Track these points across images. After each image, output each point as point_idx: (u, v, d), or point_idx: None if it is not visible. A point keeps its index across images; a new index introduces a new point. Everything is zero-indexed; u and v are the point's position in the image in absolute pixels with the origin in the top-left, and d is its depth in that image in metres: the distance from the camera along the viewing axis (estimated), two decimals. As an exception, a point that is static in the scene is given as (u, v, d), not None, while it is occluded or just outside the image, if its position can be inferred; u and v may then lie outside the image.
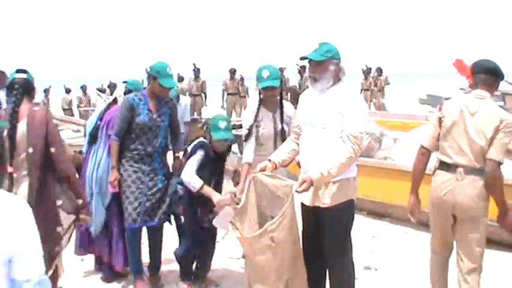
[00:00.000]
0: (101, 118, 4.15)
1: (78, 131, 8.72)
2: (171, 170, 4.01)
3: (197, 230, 3.80)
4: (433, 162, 3.33)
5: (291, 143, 3.37)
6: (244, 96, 14.46)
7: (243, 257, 4.06)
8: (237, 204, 3.44)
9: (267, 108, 3.86)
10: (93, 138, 4.12)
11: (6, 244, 1.34)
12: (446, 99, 3.35)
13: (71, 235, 3.29)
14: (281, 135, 3.84)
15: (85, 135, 4.42)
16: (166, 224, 4.01)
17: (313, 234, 3.22)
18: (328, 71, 3.07)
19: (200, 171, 3.64)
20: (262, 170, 3.17)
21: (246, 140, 3.80)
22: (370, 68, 16.19)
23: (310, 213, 3.20)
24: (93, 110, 14.30)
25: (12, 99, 2.98)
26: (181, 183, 3.77)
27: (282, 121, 3.86)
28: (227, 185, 3.97)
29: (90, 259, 4.47)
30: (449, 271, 3.38)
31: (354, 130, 2.98)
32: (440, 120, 3.22)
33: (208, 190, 3.62)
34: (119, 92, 4.30)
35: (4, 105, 3.07)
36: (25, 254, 1.37)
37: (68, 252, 3.83)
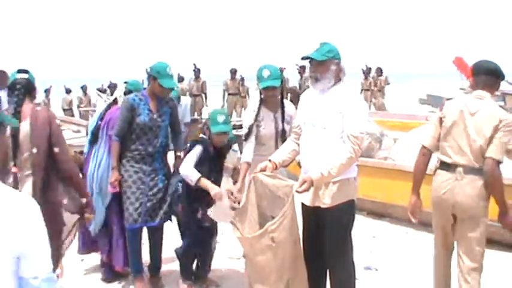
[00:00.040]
0: (101, 118, 4.16)
1: (79, 131, 8.73)
2: (172, 169, 4.01)
3: (196, 230, 3.80)
4: (434, 163, 3.34)
5: (291, 143, 3.37)
6: (245, 97, 14.47)
7: (244, 257, 4.06)
8: (234, 202, 3.45)
9: (268, 108, 3.85)
10: (94, 138, 4.13)
11: (14, 242, 1.35)
12: (448, 99, 3.36)
13: (74, 235, 3.30)
14: (282, 135, 3.83)
15: (87, 135, 4.44)
16: (167, 223, 4.01)
17: (314, 235, 3.22)
18: (330, 70, 3.07)
19: (199, 167, 3.63)
20: (263, 170, 3.17)
21: (245, 140, 3.79)
22: (370, 68, 16.19)
23: (311, 214, 3.20)
24: (93, 110, 14.34)
25: (14, 100, 2.98)
26: (182, 181, 3.77)
27: (283, 121, 3.86)
28: (226, 182, 3.96)
29: (90, 259, 4.48)
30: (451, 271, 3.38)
31: (354, 130, 2.98)
32: (441, 121, 3.24)
33: (205, 182, 3.59)
34: (119, 92, 4.30)
35: (5, 106, 3.07)
36: (33, 252, 1.38)
37: (68, 252, 3.83)
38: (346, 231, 3.18)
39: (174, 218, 4.06)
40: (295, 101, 3.96)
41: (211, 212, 3.59)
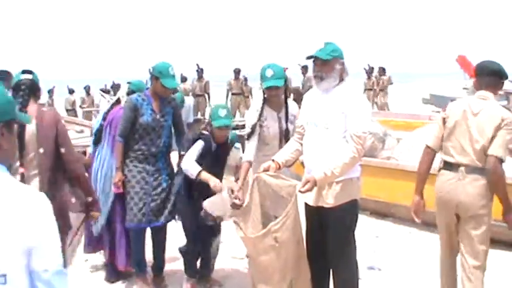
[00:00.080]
0: (104, 118, 4.17)
1: (82, 131, 8.74)
2: (175, 169, 4.01)
3: (196, 230, 3.80)
4: (438, 163, 3.34)
5: (295, 143, 3.36)
6: (248, 96, 14.47)
7: (247, 257, 4.06)
8: (236, 198, 3.44)
9: (272, 107, 3.82)
10: (97, 139, 4.14)
11: (26, 235, 1.37)
12: (452, 100, 3.37)
13: (81, 234, 3.33)
14: (286, 135, 3.82)
15: (91, 136, 4.46)
16: (170, 222, 4.01)
17: (317, 234, 3.22)
18: (335, 70, 3.07)
19: (200, 162, 3.62)
20: (266, 170, 3.18)
21: (248, 139, 3.78)
22: (373, 68, 16.18)
23: (314, 213, 3.20)
24: (96, 110, 14.37)
25: (19, 100, 3.00)
26: (183, 178, 3.77)
27: (286, 120, 3.84)
28: (228, 180, 3.95)
29: (93, 259, 4.49)
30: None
31: (357, 130, 2.98)
32: (444, 121, 3.26)
33: (205, 176, 3.56)
34: (122, 93, 4.31)
35: None
36: (44, 245, 1.40)
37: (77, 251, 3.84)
38: (349, 231, 3.18)
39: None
40: (298, 100, 3.94)
41: (207, 203, 3.52)
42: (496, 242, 4.11)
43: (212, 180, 3.55)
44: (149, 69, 3.98)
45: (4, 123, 1.45)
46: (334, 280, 3.24)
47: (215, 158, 3.77)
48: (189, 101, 6.91)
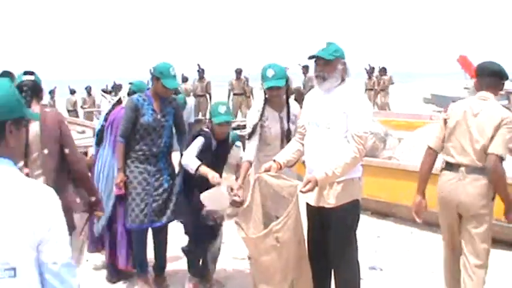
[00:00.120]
0: (105, 119, 4.18)
1: (83, 132, 8.76)
2: (177, 169, 4.02)
3: (195, 230, 3.80)
4: (440, 163, 3.35)
5: (296, 143, 3.37)
6: (250, 97, 14.48)
7: (248, 257, 4.06)
8: (235, 196, 3.44)
9: (273, 107, 3.81)
10: (99, 139, 4.15)
11: (36, 229, 1.38)
12: (453, 101, 3.39)
13: (85, 235, 3.34)
14: (288, 135, 3.82)
15: (93, 136, 4.48)
16: (171, 222, 4.02)
17: (318, 235, 3.23)
18: (337, 70, 3.07)
19: (200, 158, 3.62)
20: (267, 170, 3.18)
21: (249, 139, 3.78)
22: (374, 68, 16.17)
23: (315, 214, 3.20)
24: (97, 110, 14.37)
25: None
26: (184, 175, 3.77)
27: (288, 120, 3.84)
28: (228, 179, 3.96)
29: (95, 259, 4.50)
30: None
31: (358, 130, 2.98)
32: (445, 122, 3.27)
33: (204, 169, 3.57)
34: (123, 93, 4.32)
35: None
36: (53, 238, 1.42)
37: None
38: (351, 231, 3.18)
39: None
40: (299, 100, 3.94)
41: (204, 196, 3.51)
42: (497, 242, 4.11)
43: (211, 174, 3.55)
44: (150, 70, 3.99)
45: (12, 121, 1.46)
46: (335, 280, 3.24)
47: (215, 155, 3.78)
48: (190, 101, 6.91)
